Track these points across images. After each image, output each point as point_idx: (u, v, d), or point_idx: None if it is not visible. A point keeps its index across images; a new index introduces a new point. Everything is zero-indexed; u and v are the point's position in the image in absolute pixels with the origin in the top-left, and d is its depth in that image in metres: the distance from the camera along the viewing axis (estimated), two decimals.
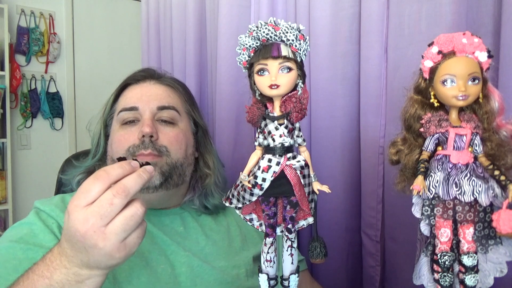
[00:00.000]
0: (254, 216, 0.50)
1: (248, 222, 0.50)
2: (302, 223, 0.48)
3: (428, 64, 0.44)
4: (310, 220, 0.48)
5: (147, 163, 0.53)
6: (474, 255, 0.43)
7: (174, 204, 0.82)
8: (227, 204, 0.49)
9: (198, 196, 0.83)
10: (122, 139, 0.76)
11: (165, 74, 0.87)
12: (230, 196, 0.48)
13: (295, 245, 0.47)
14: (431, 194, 0.43)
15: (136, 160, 0.52)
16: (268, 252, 0.47)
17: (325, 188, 0.45)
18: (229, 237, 0.82)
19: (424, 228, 0.45)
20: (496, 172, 0.42)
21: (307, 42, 0.43)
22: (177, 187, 0.78)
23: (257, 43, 0.43)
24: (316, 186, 0.45)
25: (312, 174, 0.46)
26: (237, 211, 0.49)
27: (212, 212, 0.84)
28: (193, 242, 0.78)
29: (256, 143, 0.45)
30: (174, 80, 0.87)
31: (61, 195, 0.79)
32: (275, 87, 0.42)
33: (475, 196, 0.41)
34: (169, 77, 0.87)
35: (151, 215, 0.78)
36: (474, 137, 0.43)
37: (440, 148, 0.44)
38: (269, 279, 0.47)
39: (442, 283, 0.44)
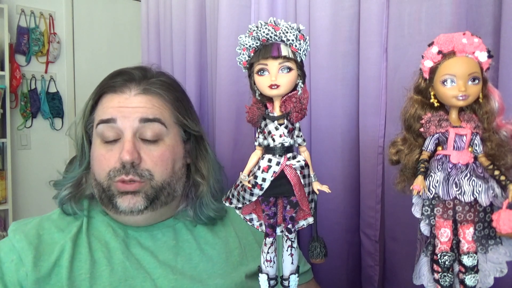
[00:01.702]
0: (254, 216, 0.50)
1: (248, 222, 0.50)
2: (302, 223, 0.48)
3: (428, 64, 0.44)
4: (310, 220, 0.48)
5: None
6: (474, 255, 0.43)
7: (167, 216, 0.77)
8: (227, 204, 0.49)
9: (192, 206, 0.77)
10: (102, 160, 0.69)
11: (149, 75, 0.75)
12: (230, 196, 0.48)
13: (295, 245, 0.47)
14: (431, 194, 0.43)
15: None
16: (268, 252, 0.47)
17: (325, 188, 0.45)
18: (227, 250, 0.76)
19: (424, 228, 0.45)
20: (496, 172, 0.42)
21: (307, 42, 0.43)
22: (167, 205, 0.73)
23: (257, 43, 0.43)
24: (316, 186, 0.45)
25: (312, 174, 0.46)
26: (237, 211, 0.49)
27: (207, 223, 0.78)
28: (185, 258, 0.73)
29: (256, 143, 0.45)
30: (161, 85, 0.74)
31: (40, 218, 0.74)
32: (275, 87, 0.42)
33: (475, 196, 0.42)
34: (155, 81, 0.74)
35: (142, 231, 0.73)
36: (474, 137, 0.43)
37: (440, 148, 0.45)
38: (269, 279, 0.47)
39: (442, 283, 0.44)
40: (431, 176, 0.43)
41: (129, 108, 0.69)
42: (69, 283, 0.64)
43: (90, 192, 0.76)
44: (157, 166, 0.70)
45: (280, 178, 0.44)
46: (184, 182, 0.77)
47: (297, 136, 0.45)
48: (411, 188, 0.42)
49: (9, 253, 0.67)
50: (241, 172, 0.44)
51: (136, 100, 0.70)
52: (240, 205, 0.48)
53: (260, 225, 0.49)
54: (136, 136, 0.69)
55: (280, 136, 0.43)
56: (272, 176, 0.43)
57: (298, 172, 0.44)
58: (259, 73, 0.42)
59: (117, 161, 0.68)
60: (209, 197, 0.77)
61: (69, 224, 0.73)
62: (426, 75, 0.45)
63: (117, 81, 0.73)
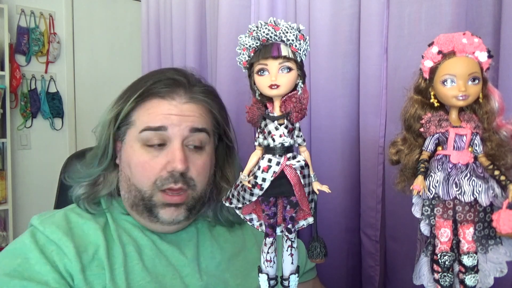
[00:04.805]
0: (254, 216, 0.50)
1: (248, 222, 0.50)
2: (302, 223, 0.48)
3: (428, 64, 0.44)
4: (310, 220, 0.48)
5: None
6: (474, 255, 0.43)
7: (192, 220, 0.77)
8: (227, 204, 0.49)
9: (212, 208, 0.77)
10: (146, 167, 0.67)
11: (192, 81, 0.73)
12: (230, 196, 0.48)
13: (295, 245, 0.47)
14: (431, 194, 0.43)
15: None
16: (268, 252, 0.47)
17: (325, 188, 0.45)
18: (245, 249, 0.78)
19: (424, 228, 0.45)
20: (496, 172, 0.42)
21: (307, 42, 0.43)
22: (198, 212, 0.74)
23: (257, 43, 0.43)
24: (316, 186, 0.45)
25: (312, 174, 0.45)
26: (237, 211, 0.49)
27: (225, 225, 0.79)
28: (208, 257, 0.73)
29: (256, 143, 0.45)
30: (206, 93, 0.73)
31: (64, 211, 0.71)
32: (275, 87, 0.42)
33: (475, 196, 0.41)
34: (201, 88, 0.73)
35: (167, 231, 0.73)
36: (474, 137, 0.43)
37: (440, 148, 0.44)
38: (269, 279, 0.47)
39: (442, 283, 0.44)
40: (431, 176, 0.43)
41: (180, 117, 0.68)
42: (110, 276, 0.63)
43: (107, 192, 0.73)
44: (200, 176, 0.70)
45: (280, 178, 0.43)
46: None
47: (297, 136, 0.45)
48: (411, 188, 0.42)
49: (47, 244, 0.64)
50: (241, 172, 0.44)
51: (186, 108, 0.69)
52: (240, 205, 0.48)
53: (260, 225, 0.49)
54: (183, 143, 0.68)
55: (280, 136, 0.43)
56: (272, 176, 0.43)
57: (298, 172, 0.44)
58: (259, 73, 0.42)
59: (163, 169, 0.66)
60: None
61: (95, 217, 0.71)
62: (426, 75, 0.45)
63: (162, 86, 0.70)
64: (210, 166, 0.73)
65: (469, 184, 0.42)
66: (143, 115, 0.69)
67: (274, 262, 0.48)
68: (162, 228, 0.71)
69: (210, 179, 0.74)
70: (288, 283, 0.47)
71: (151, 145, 0.67)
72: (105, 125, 0.72)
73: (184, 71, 0.75)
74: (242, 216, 0.49)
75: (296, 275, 0.48)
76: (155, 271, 0.67)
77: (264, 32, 0.42)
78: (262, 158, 0.44)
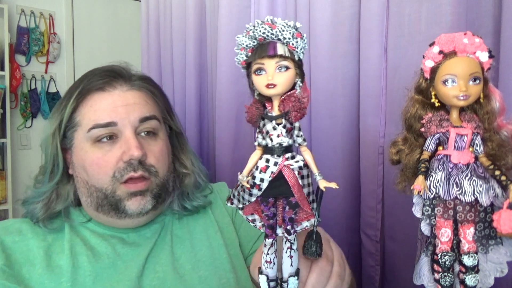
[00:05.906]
0: (256, 216, 0.49)
1: (250, 223, 0.50)
2: (306, 224, 0.47)
3: (429, 64, 0.44)
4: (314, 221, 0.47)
5: None
6: (475, 255, 0.43)
7: (158, 214, 0.75)
8: (228, 204, 0.48)
9: (178, 197, 0.76)
10: (101, 163, 0.65)
11: (131, 71, 0.74)
12: (231, 197, 0.48)
13: (294, 247, 0.47)
14: (431, 194, 0.43)
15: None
16: (268, 253, 0.47)
17: (332, 185, 0.44)
18: (209, 237, 0.76)
19: (425, 228, 0.45)
20: (497, 172, 0.42)
21: (304, 40, 0.42)
22: (164, 202, 0.73)
23: (254, 42, 0.43)
24: (322, 184, 0.44)
25: (317, 172, 0.45)
26: (240, 212, 0.49)
27: (192, 212, 0.78)
28: (167, 252, 0.71)
29: (256, 143, 0.45)
30: (145, 80, 0.73)
31: (21, 221, 0.70)
32: (272, 86, 0.41)
33: (475, 196, 0.41)
34: (138, 76, 0.73)
35: (130, 232, 0.72)
36: (475, 137, 0.43)
37: (441, 148, 0.44)
38: (269, 280, 0.47)
39: (442, 283, 0.44)
40: (432, 176, 0.43)
41: (126, 107, 0.67)
42: None
43: (63, 206, 0.71)
44: (160, 162, 0.69)
45: (279, 179, 0.43)
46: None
47: (297, 136, 0.45)
48: (411, 188, 0.42)
49: None
50: (239, 173, 0.44)
51: (130, 96, 0.68)
52: (240, 206, 0.47)
53: (263, 225, 0.49)
54: (135, 132, 0.68)
55: (278, 136, 0.43)
56: (270, 177, 0.43)
57: (296, 172, 0.43)
58: (256, 72, 0.42)
59: (119, 161, 0.65)
60: (193, 188, 0.77)
61: (47, 232, 0.69)
62: (427, 75, 0.45)
63: (99, 79, 0.68)
64: (168, 152, 0.73)
65: (470, 184, 0.41)
66: (87, 112, 0.67)
67: (274, 263, 0.47)
68: (132, 222, 0.70)
69: (170, 166, 0.73)
70: (287, 286, 0.47)
71: (102, 141, 0.66)
72: (49, 136, 0.70)
73: (118, 64, 0.75)
74: (244, 216, 0.49)
75: (296, 277, 0.47)
76: (110, 280, 0.65)
77: (260, 31, 0.42)
78: (261, 158, 0.44)
